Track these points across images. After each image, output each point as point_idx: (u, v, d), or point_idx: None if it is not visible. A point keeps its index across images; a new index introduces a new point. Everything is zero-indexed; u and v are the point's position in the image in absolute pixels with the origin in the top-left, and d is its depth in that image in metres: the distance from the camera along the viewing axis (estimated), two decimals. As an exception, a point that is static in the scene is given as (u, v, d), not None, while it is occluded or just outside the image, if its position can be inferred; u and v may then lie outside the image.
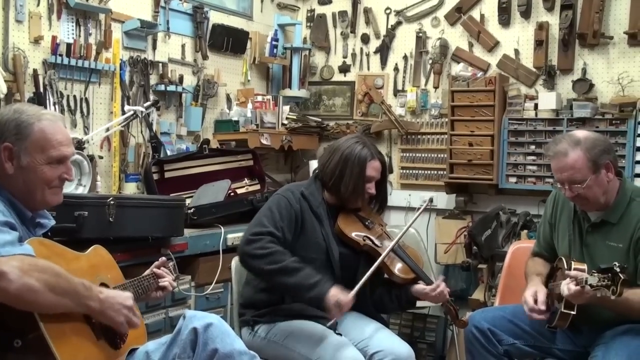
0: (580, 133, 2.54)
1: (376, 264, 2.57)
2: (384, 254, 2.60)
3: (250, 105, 4.39)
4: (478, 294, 3.93)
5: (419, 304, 2.85)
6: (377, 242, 2.69)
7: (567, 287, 2.34)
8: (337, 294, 2.41)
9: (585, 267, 2.40)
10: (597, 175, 2.43)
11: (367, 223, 2.77)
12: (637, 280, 2.43)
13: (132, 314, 1.98)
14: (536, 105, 3.99)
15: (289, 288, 2.48)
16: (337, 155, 2.70)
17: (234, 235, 3.49)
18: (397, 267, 2.68)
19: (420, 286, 2.68)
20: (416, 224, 4.25)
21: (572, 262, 2.46)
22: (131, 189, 3.72)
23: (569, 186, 2.46)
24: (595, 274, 2.23)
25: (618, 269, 2.17)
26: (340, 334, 2.56)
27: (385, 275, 2.73)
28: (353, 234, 2.69)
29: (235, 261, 2.89)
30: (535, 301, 2.52)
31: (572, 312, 2.43)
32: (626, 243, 2.46)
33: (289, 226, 2.58)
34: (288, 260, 2.45)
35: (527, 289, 2.59)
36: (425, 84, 4.52)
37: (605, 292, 2.20)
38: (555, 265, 2.66)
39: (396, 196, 4.47)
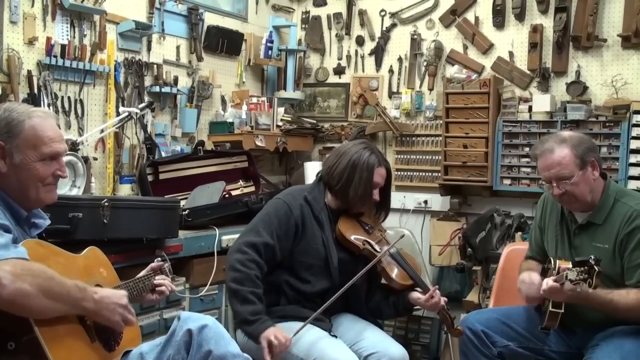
0: (566, 133, 2.64)
1: (360, 273, 2.58)
2: (369, 265, 2.62)
3: (245, 107, 4.39)
4: (472, 296, 3.93)
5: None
6: (376, 247, 2.71)
7: (545, 282, 2.37)
8: (270, 335, 2.40)
9: (570, 265, 2.43)
10: (583, 171, 2.48)
11: (367, 228, 2.79)
12: (625, 281, 2.45)
13: (127, 312, 1.99)
14: (530, 108, 4.00)
15: (234, 313, 2.56)
16: (345, 160, 2.72)
17: (229, 237, 3.48)
18: (396, 273, 2.70)
19: (416, 294, 2.70)
20: (410, 225, 4.30)
21: (558, 261, 2.48)
22: (126, 190, 3.71)
23: (556, 183, 2.50)
24: (574, 269, 2.27)
25: (593, 262, 2.22)
26: (335, 336, 2.56)
27: (383, 281, 2.75)
28: (353, 238, 2.71)
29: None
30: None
31: (560, 311, 2.45)
32: (611, 244, 2.50)
33: (286, 233, 2.61)
34: (247, 290, 2.48)
35: (521, 275, 2.64)
36: (420, 86, 4.52)
37: (583, 286, 2.24)
38: (545, 266, 2.67)
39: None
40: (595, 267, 2.20)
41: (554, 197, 2.59)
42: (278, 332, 2.42)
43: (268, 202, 2.75)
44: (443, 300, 2.71)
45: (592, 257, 2.23)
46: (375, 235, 2.79)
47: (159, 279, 2.35)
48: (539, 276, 2.56)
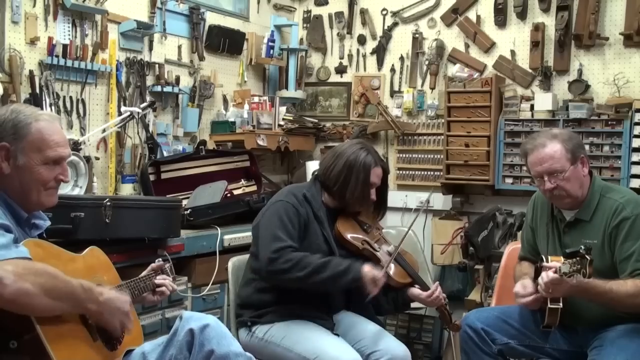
0: (555, 129, 2.72)
1: (394, 253, 2.68)
2: (395, 251, 2.67)
3: (246, 106, 4.39)
4: (474, 295, 3.93)
5: (415, 305, 2.86)
6: (375, 246, 2.72)
7: (545, 274, 2.36)
8: (370, 271, 2.50)
9: (561, 259, 2.42)
10: (574, 166, 2.51)
11: (365, 227, 2.79)
12: (619, 274, 2.45)
13: (127, 319, 2.00)
14: (532, 106, 3.99)
15: (327, 282, 2.51)
16: (341, 161, 2.71)
17: (231, 236, 3.49)
18: (394, 271, 2.71)
19: (416, 290, 2.71)
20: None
21: (549, 257, 2.48)
22: (127, 190, 3.72)
23: (548, 177, 2.51)
24: (566, 262, 2.27)
25: (584, 252, 2.23)
26: (338, 335, 2.57)
27: None
28: (351, 237, 2.71)
29: (232, 262, 2.90)
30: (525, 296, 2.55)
31: (559, 306, 2.44)
32: (600, 239, 2.51)
33: (299, 232, 2.61)
34: (314, 260, 2.50)
35: (515, 287, 2.64)
36: (422, 85, 4.52)
37: (578, 277, 2.24)
38: (537, 265, 2.67)
39: (392, 197, 4.43)
40: (587, 257, 2.22)
41: (544, 193, 2.61)
42: (371, 268, 2.52)
43: (270, 207, 2.67)
44: (443, 297, 2.72)
45: (582, 247, 2.25)
46: (374, 234, 2.79)
47: (159, 279, 2.34)
48: (531, 283, 2.55)
